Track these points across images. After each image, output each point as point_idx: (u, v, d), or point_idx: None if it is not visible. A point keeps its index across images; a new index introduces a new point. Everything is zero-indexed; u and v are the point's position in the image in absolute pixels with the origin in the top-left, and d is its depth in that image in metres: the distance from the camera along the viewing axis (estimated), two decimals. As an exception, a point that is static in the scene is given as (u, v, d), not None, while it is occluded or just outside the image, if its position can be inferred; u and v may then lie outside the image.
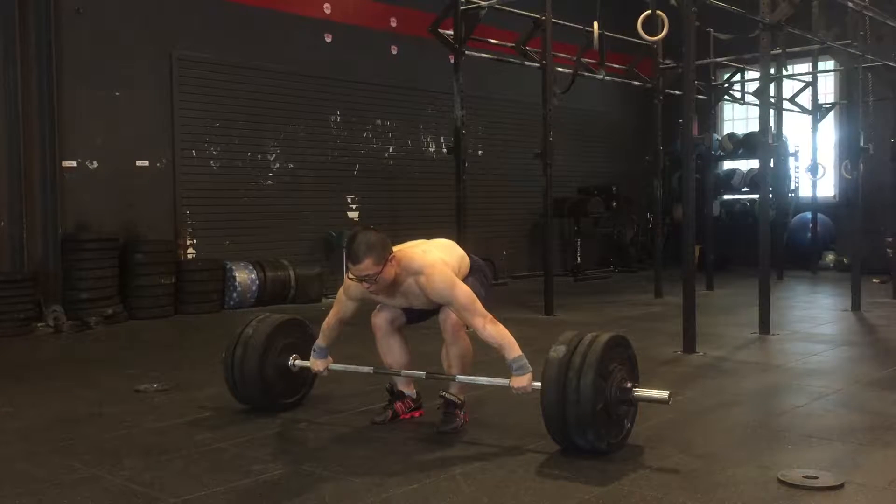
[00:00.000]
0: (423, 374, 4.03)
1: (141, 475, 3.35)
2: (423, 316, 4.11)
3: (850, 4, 8.42)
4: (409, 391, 4.24)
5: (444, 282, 3.73)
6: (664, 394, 3.55)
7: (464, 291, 3.74)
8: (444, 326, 3.89)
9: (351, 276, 3.79)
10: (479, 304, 3.74)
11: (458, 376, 3.91)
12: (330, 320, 4.13)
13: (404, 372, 4.12)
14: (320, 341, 4.20)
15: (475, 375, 3.94)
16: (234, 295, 8.76)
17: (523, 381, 3.67)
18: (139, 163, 8.59)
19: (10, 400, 4.76)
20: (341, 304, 4.08)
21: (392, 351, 4.15)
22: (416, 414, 4.23)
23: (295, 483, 3.26)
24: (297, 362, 4.34)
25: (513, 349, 3.69)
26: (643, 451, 3.61)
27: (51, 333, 7.33)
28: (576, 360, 3.43)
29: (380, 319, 4.11)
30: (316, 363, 4.21)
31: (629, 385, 3.56)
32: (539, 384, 3.56)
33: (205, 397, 4.75)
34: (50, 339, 7.18)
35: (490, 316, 3.73)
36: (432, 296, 3.78)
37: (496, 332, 3.69)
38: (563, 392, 3.40)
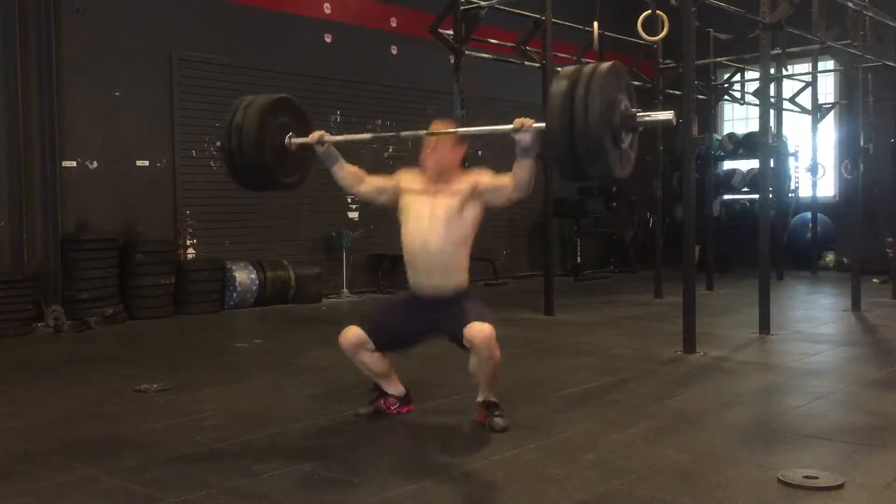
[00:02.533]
0: None
1: (141, 475, 3.35)
2: (409, 337, 4.12)
3: (850, 4, 8.42)
4: (395, 391, 4.22)
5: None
6: (669, 114, 3.53)
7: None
8: (475, 344, 3.78)
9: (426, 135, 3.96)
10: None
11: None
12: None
13: None
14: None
15: None
16: (234, 295, 8.76)
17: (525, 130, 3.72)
18: (139, 163, 8.58)
19: (10, 400, 4.76)
20: (367, 184, 4.23)
21: (366, 364, 4.11)
22: (404, 409, 4.22)
23: (295, 483, 3.26)
24: (294, 140, 4.25)
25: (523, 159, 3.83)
26: (643, 451, 3.61)
27: (51, 333, 7.33)
28: (580, 91, 3.31)
29: (346, 342, 4.05)
30: (314, 137, 4.18)
31: (633, 111, 3.46)
32: (542, 125, 3.56)
33: (205, 397, 4.75)
34: (50, 339, 7.18)
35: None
36: (481, 178, 3.98)
37: (518, 172, 3.85)
38: (571, 125, 3.31)
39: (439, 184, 4.02)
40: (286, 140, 4.24)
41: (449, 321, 3.93)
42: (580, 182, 10.17)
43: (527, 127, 3.72)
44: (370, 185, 4.22)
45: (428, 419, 4.17)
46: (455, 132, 4.05)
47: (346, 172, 4.25)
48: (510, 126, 3.74)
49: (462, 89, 8.25)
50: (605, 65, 3.42)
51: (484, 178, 4.03)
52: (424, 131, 4.03)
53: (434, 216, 3.97)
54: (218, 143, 4.40)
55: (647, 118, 3.47)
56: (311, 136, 4.17)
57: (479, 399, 4.02)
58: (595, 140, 3.28)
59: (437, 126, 4.03)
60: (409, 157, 10.52)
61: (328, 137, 4.18)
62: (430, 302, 4.01)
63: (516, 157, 3.84)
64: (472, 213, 4.02)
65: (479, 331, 3.79)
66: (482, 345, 3.78)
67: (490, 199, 4.01)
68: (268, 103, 4.24)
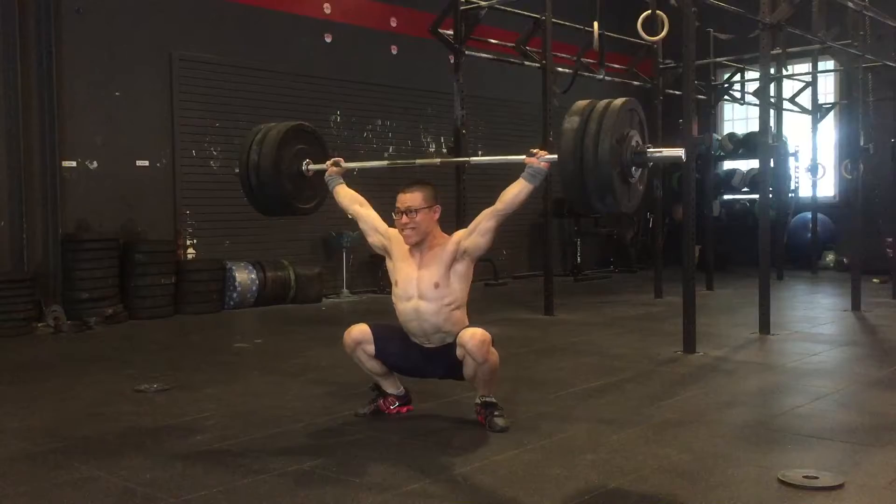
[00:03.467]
0: None
1: (141, 475, 3.35)
2: (406, 369, 4.14)
3: (850, 4, 8.42)
4: (396, 390, 4.22)
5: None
6: (679, 152, 3.58)
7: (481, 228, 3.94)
8: (469, 348, 3.81)
9: (396, 207, 3.95)
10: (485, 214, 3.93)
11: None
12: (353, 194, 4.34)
13: None
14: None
15: None
16: (234, 295, 8.76)
17: (537, 160, 3.82)
18: (139, 163, 8.59)
19: (10, 400, 4.76)
20: (368, 209, 4.28)
21: (364, 363, 4.12)
22: (404, 409, 4.23)
23: (295, 483, 3.26)
24: (311, 167, 4.40)
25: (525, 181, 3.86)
26: (643, 451, 3.61)
27: (51, 333, 7.33)
28: (591, 127, 3.41)
29: (349, 337, 4.06)
30: (328, 163, 4.34)
31: (643, 147, 3.54)
32: (555, 156, 3.64)
33: (205, 397, 4.75)
34: (50, 339, 7.18)
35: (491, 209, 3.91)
36: (460, 238, 3.93)
37: (515, 190, 3.85)
38: (581, 161, 3.41)
39: (422, 251, 4.00)
40: (303, 167, 4.39)
41: (447, 367, 4.02)
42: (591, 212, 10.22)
43: (541, 156, 3.79)
44: (369, 215, 4.26)
45: (428, 419, 4.17)
46: (467, 161, 4.11)
47: (348, 192, 4.36)
48: (523, 157, 3.82)
49: (462, 89, 8.25)
50: (619, 101, 3.50)
51: (460, 235, 3.98)
52: (438, 160, 4.06)
53: (422, 289, 3.96)
54: (236, 171, 4.48)
55: (657, 154, 3.56)
56: (327, 162, 4.36)
57: (478, 400, 4.02)
58: (605, 178, 3.39)
59: (405, 197, 3.95)
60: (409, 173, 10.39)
61: (344, 165, 4.37)
62: (431, 351, 4.06)
63: (520, 178, 3.84)
64: (462, 272, 3.98)
65: (471, 336, 3.82)
66: (475, 349, 3.79)
67: (477, 245, 3.93)
68: (281, 137, 4.33)
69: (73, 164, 8.08)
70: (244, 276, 8.86)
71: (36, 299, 7.53)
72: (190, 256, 8.89)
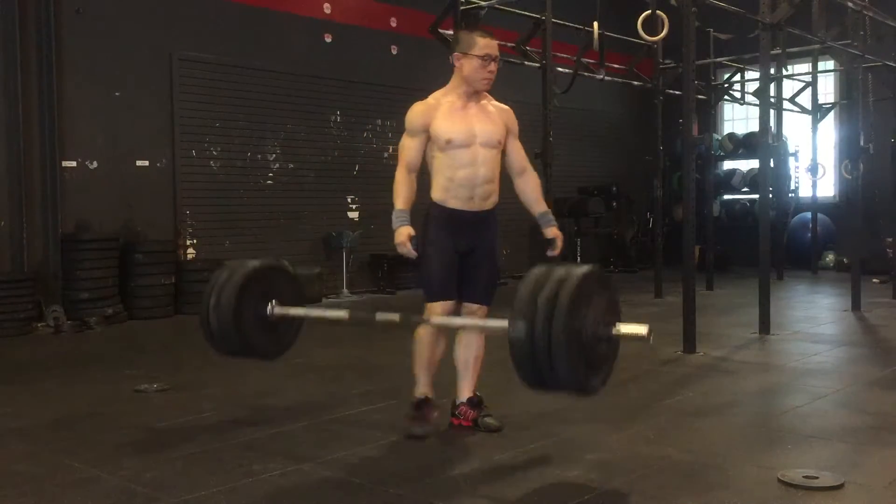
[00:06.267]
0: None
1: (141, 475, 3.35)
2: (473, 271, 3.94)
3: (850, 4, 8.42)
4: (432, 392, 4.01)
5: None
6: (643, 329, 3.03)
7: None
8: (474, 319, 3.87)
9: (478, 52, 3.83)
10: None
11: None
12: (402, 176, 3.86)
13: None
14: (400, 205, 3.83)
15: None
16: (234, 295, 8.74)
17: (557, 231, 4.07)
18: (139, 163, 8.58)
19: (10, 400, 4.76)
20: (408, 149, 3.87)
21: (437, 354, 3.94)
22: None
23: (295, 483, 3.26)
24: (277, 310, 3.84)
25: (542, 201, 4.12)
26: (643, 451, 3.61)
27: (51, 333, 7.33)
28: (541, 331, 2.87)
29: (428, 332, 3.88)
30: (400, 232, 3.77)
31: (607, 327, 3.05)
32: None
33: (205, 397, 4.75)
34: (50, 339, 7.18)
35: None
36: (506, 118, 4.01)
37: (529, 188, 4.09)
38: (535, 358, 2.93)
39: (476, 101, 3.94)
40: (268, 310, 3.85)
41: (478, 255, 3.92)
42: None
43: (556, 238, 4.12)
44: (417, 151, 3.89)
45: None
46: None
47: (413, 190, 3.93)
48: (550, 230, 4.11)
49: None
50: (570, 286, 2.93)
51: (513, 127, 4.07)
52: (397, 316, 3.61)
53: (483, 136, 3.89)
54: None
55: (622, 332, 3.06)
56: (401, 234, 3.77)
57: (464, 398, 3.96)
58: (560, 366, 2.90)
59: (493, 44, 3.89)
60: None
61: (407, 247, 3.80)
62: (470, 217, 3.90)
63: (540, 210, 4.11)
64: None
65: (481, 311, 3.92)
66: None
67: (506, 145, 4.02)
68: (241, 283, 3.84)
69: (73, 164, 8.08)
70: (244, 276, 8.84)
71: (36, 299, 7.52)
72: (190, 256, 8.89)
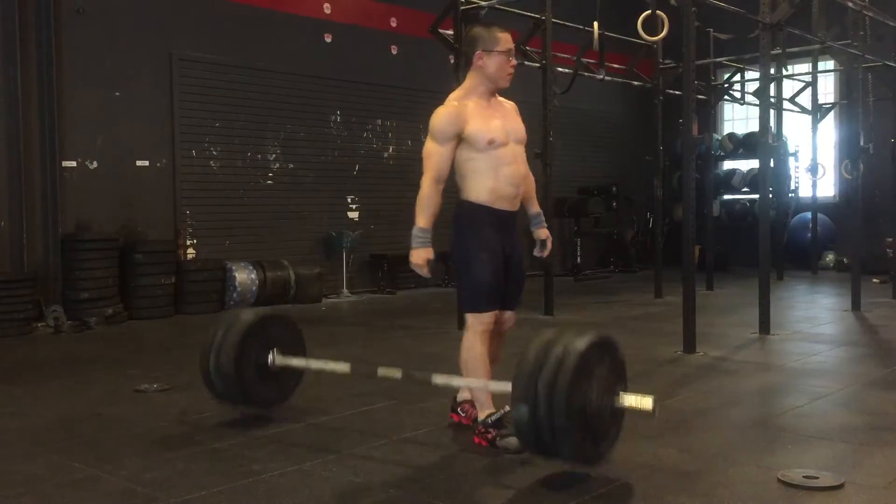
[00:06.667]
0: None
1: (141, 475, 3.35)
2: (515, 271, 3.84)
3: (850, 4, 8.42)
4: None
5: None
6: (648, 403, 3.10)
7: None
8: (504, 330, 3.91)
9: (503, 48, 3.75)
10: None
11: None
12: (430, 189, 3.62)
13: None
14: (423, 223, 3.62)
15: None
16: (234, 295, 8.76)
17: (547, 232, 4.02)
18: (139, 163, 8.59)
19: (10, 400, 4.76)
20: (438, 158, 3.64)
21: (487, 359, 3.76)
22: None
23: (295, 483, 3.26)
24: (277, 361, 4.00)
25: (536, 202, 4.04)
26: (643, 451, 3.61)
27: (51, 333, 7.33)
28: (544, 415, 2.97)
29: (483, 349, 3.73)
30: (419, 254, 3.61)
31: (612, 397, 3.13)
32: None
33: (205, 397, 4.73)
34: (50, 339, 7.18)
35: None
36: (518, 121, 3.89)
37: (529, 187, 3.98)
38: (539, 438, 3.05)
39: (492, 99, 3.84)
40: (269, 360, 3.99)
41: (516, 257, 3.82)
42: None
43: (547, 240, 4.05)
44: (447, 159, 3.69)
45: (428, 419, 4.16)
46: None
47: (439, 206, 3.70)
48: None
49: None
50: (573, 356, 2.98)
51: (522, 125, 3.92)
52: (399, 372, 3.68)
53: (516, 134, 3.82)
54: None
55: (624, 403, 3.14)
56: (419, 257, 3.63)
57: (467, 396, 3.93)
58: (561, 438, 2.99)
59: (511, 38, 3.84)
60: (408, 161, 10.45)
61: (424, 270, 3.68)
62: (511, 218, 3.81)
63: (534, 211, 4.03)
64: None
65: (512, 319, 3.91)
66: (507, 333, 3.92)
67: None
68: (240, 338, 3.92)
69: (73, 164, 8.08)
70: (244, 275, 8.86)
71: (36, 299, 7.53)
72: (190, 256, 8.90)
